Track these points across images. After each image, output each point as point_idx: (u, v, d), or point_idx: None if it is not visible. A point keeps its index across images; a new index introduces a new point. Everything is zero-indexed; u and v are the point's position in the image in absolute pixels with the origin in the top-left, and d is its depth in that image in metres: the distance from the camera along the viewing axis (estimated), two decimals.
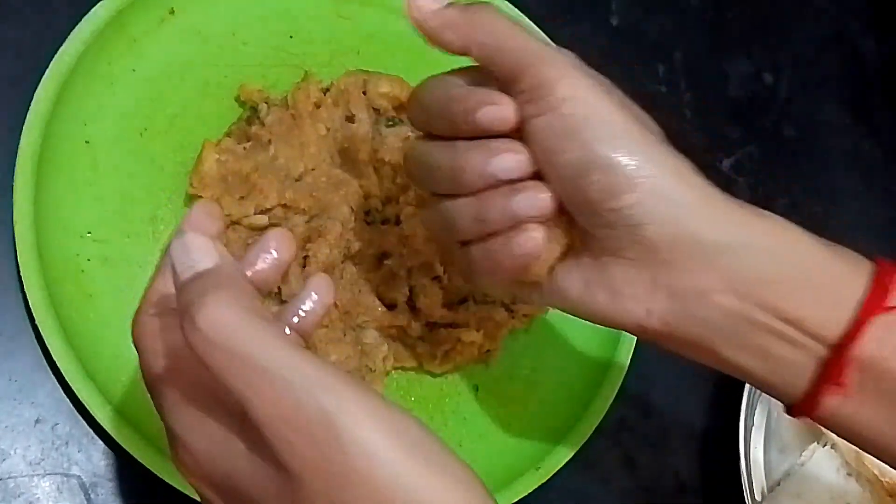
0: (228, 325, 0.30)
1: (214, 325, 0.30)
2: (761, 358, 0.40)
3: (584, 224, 0.41)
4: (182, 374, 0.34)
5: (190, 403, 0.34)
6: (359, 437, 0.29)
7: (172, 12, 0.56)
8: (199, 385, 0.33)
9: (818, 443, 0.62)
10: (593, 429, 0.56)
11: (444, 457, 0.31)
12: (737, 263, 0.39)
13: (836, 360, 0.39)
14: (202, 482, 0.34)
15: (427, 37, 0.42)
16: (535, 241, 0.41)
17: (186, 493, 0.47)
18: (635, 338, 0.59)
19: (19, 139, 0.49)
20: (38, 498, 0.47)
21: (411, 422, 0.31)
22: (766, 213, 0.41)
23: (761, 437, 0.62)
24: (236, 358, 0.30)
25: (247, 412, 0.30)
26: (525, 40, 0.41)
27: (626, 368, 0.58)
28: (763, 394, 0.62)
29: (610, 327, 0.43)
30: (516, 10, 0.63)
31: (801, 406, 0.41)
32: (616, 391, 0.57)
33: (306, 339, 0.39)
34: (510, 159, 0.40)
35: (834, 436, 0.60)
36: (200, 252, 0.33)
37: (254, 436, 0.31)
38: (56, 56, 0.51)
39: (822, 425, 0.42)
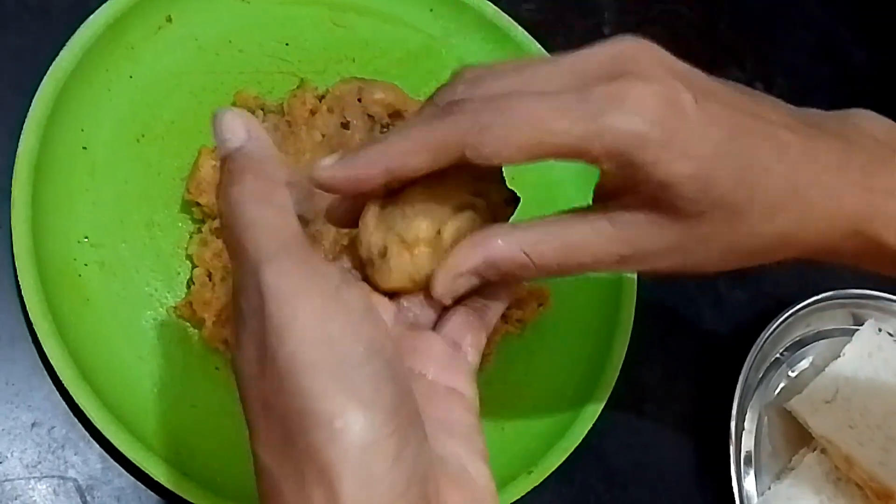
0: (233, 212, 0.33)
1: (226, 208, 0.33)
2: None
3: None
4: None
5: None
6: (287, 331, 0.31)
7: (170, 20, 0.56)
8: None
9: (808, 448, 0.63)
10: (586, 433, 0.57)
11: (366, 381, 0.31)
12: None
13: None
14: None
15: None
16: None
17: (182, 495, 0.47)
18: (627, 342, 0.59)
19: (17, 144, 0.50)
20: (35, 501, 0.47)
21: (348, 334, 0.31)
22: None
23: (752, 442, 0.62)
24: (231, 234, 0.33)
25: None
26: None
27: (618, 373, 0.59)
28: (754, 397, 0.63)
29: None
30: (510, 18, 0.63)
31: None
32: (608, 396, 0.58)
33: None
34: None
35: (824, 441, 0.61)
36: (230, 132, 0.35)
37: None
38: (54, 62, 0.51)
39: None
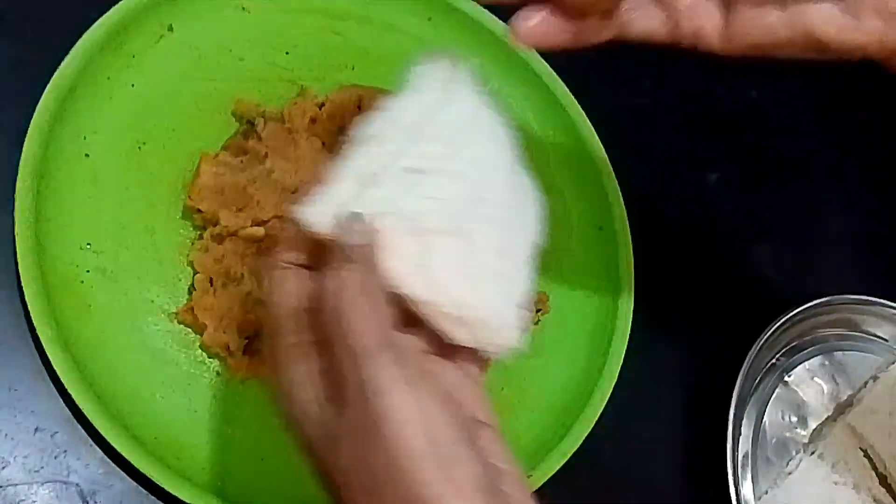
0: (350, 298, 0.37)
1: (342, 290, 0.37)
2: None
3: None
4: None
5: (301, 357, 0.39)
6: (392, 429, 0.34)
7: (171, 29, 0.57)
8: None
9: (805, 451, 0.63)
10: (584, 438, 0.57)
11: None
12: None
13: None
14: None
15: None
16: None
17: (184, 499, 0.48)
18: (624, 348, 0.60)
19: (20, 152, 0.50)
20: None
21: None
22: None
23: (748, 446, 0.63)
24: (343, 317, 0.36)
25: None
26: None
27: (616, 378, 0.59)
28: (750, 404, 0.64)
29: (859, 58, 0.42)
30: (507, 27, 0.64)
31: None
32: (606, 401, 0.58)
33: None
34: None
35: (821, 445, 0.62)
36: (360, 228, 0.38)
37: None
38: (56, 71, 0.52)
39: None
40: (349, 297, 0.37)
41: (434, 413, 0.35)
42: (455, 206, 0.42)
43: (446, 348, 0.41)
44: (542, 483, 0.55)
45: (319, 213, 0.40)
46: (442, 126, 0.44)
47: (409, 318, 0.40)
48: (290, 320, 0.39)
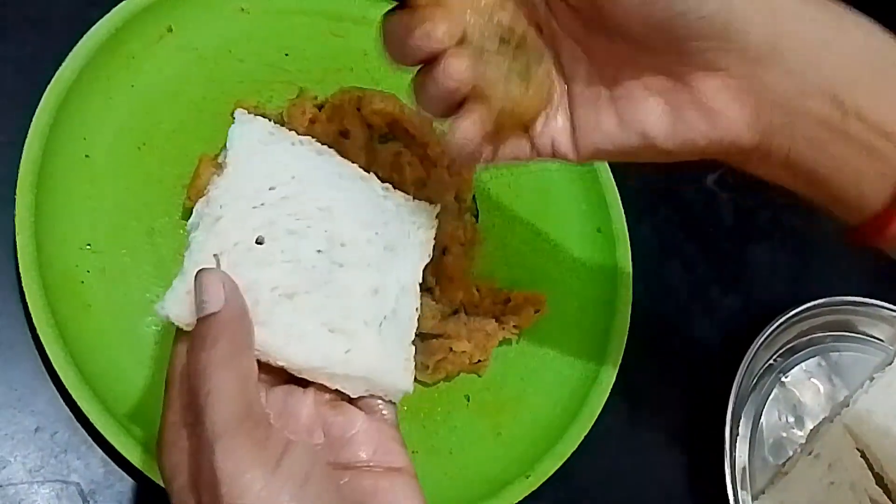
0: (200, 376, 0.37)
1: (194, 372, 0.37)
2: (845, 169, 0.39)
3: (669, 45, 0.38)
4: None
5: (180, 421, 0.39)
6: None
7: (170, 30, 0.57)
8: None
9: (801, 452, 0.63)
10: (582, 438, 0.57)
11: None
12: (835, 61, 0.37)
13: None
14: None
15: None
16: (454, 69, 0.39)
17: None
18: (622, 348, 0.60)
19: (21, 153, 0.50)
20: None
21: None
22: (853, 11, 0.39)
23: (746, 446, 0.63)
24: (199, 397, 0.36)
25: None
26: None
27: (614, 379, 0.59)
28: (747, 404, 0.64)
29: (699, 155, 0.40)
30: None
31: (873, 223, 0.39)
32: (604, 402, 0.59)
33: None
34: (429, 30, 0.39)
35: (817, 445, 0.62)
36: (209, 294, 0.38)
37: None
38: (57, 72, 0.52)
39: (889, 247, 0.40)
40: (208, 376, 0.36)
41: (286, 494, 0.35)
42: (311, 262, 0.43)
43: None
44: (540, 484, 0.55)
45: (176, 306, 0.40)
46: (274, 187, 0.44)
47: None
48: (175, 394, 0.39)
